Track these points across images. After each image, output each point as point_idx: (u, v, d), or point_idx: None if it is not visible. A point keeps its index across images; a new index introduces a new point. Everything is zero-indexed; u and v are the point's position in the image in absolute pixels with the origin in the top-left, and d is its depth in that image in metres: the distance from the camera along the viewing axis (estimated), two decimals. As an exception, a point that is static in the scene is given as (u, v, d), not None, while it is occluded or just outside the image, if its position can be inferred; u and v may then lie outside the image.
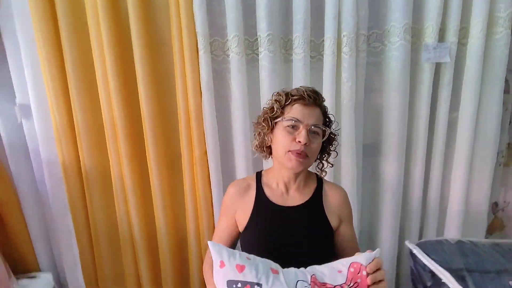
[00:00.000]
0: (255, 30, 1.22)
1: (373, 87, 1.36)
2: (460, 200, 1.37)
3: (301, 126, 0.81)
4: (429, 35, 1.22)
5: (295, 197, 0.90)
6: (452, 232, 1.41)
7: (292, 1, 1.18)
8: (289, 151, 0.82)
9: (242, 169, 1.30)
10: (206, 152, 1.24)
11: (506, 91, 1.31)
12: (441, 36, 1.25)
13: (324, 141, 0.87)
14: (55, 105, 1.17)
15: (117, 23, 1.13)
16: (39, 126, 1.19)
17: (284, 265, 0.76)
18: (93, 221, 1.29)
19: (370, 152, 1.41)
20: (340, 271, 0.70)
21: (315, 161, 0.92)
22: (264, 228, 0.87)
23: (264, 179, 0.94)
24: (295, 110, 0.83)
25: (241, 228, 0.91)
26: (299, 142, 0.80)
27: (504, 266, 0.75)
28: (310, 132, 0.82)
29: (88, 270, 1.34)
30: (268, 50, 1.17)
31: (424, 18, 1.23)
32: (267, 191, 0.91)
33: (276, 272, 0.70)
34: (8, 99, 1.20)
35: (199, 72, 1.17)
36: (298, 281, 0.68)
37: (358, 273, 0.68)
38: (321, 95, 0.88)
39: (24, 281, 1.24)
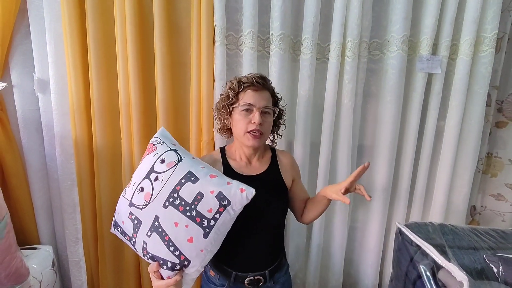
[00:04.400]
0: (266, 29, 1.33)
1: (370, 91, 1.47)
2: (442, 202, 1.49)
3: (255, 109, 0.93)
4: (424, 47, 1.35)
5: (257, 166, 1.02)
6: (433, 231, 1.53)
7: (304, 5, 1.29)
8: (247, 132, 0.94)
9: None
10: (213, 138, 1.32)
11: (487, 104, 1.45)
12: (434, 50, 1.38)
13: (274, 118, 1.01)
14: (74, 82, 1.22)
15: (141, 9, 1.21)
16: (56, 101, 1.24)
17: (253, 226, 0.94)
18: (99, 198, 1.33)
19: (364, 152, 1.53)
20: None
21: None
22: None
23: (228, 153, 1.05)
24: (248, 96, 0.94)
25: None
26: (254, 123, 0.92)
27: (479, 244, 0.87)
28: (262, 113, 0.94)
29: (89, 244, 1.38)
30: (279, 48, 1.27)
31: (420, 32, 1.36)
32: (232, 163, 1.01)
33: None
34: (27, 73, 1.25)
35: (214, 62, 1.26)
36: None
37: None
38: (268, 79, 1.01)
39: (25, 252, 1.26)
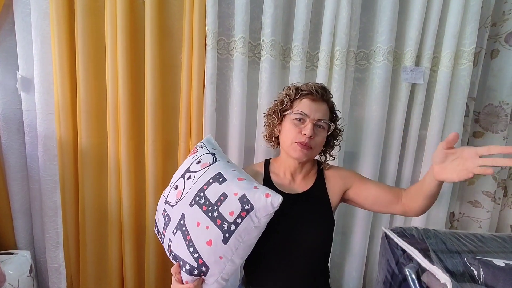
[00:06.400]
0: (257, 35, 1.35)
1: (356, 100, 1.52)
2: (424, 208, 1.54)
3: (308, 120, 0.87)
4: (408, 59, 1.41)
5: (301, 185, 0.94)
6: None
7: (294, 14, 1.32)
8: (295, 142, 0.87)
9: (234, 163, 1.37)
10: (202, 142, 1.31)
11: (466, 115, 1.52)
12: (417, 61, 1.44)
13: (328, 135, 0.94)
14: (60, 81, 1.19)
15: (133, 10, 1.20)
16: (40, 100, 1.20)
17: (291, 249, 0.85)
18: (82, 200, 1.29)
19: (349, 159, 1.56)
20: None
21: (320, 153, 0.99)
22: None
23: (272, 168, 0.99)
24: (303, 105, 0.89)
25: None
26: (304, 134, 0.86)
27: (461, 247, 0.91)
28: (315, 126, 0.88)
29: (70, 249, 1.33)
30: (270, 54, 1.29)
31: (404, 44, 1.42)
32: (274, 179, 0.95)
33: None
34: (9, 71, 1.21)
35: (205, 66, 1.26)
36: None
37: None
38: (329, 91, 0.94)
39: (1, 257, 1.20)
